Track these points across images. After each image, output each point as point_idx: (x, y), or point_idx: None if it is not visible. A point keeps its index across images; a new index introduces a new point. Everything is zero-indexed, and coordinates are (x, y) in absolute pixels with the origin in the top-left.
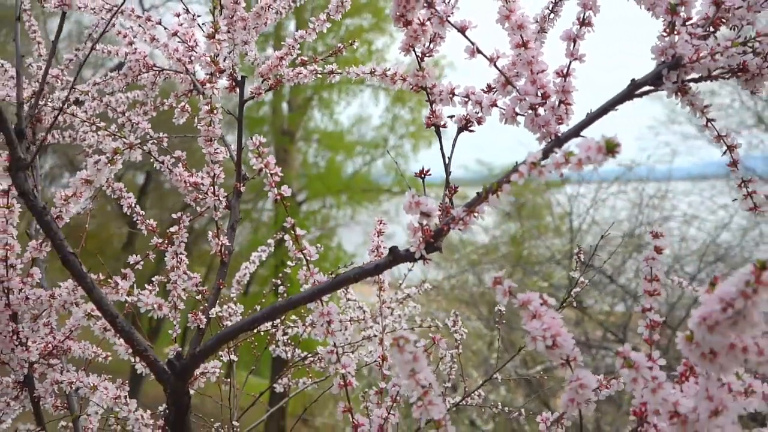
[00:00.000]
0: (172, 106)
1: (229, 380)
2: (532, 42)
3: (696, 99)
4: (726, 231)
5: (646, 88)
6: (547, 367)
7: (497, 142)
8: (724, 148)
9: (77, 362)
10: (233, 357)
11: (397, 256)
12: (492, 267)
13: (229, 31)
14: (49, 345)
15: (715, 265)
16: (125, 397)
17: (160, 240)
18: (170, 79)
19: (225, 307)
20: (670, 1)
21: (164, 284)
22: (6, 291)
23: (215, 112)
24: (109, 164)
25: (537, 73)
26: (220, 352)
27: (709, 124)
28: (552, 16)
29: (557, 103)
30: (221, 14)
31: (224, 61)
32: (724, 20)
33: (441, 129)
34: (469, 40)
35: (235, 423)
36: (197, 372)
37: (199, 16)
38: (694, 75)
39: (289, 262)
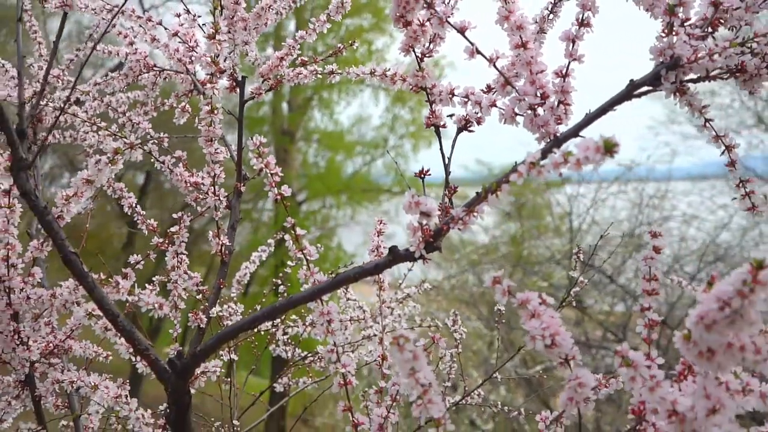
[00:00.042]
0: (173, 106)
1: (229, 379)
2: (531, 42)
3: (694, 99)
4: (726, 231)
5: (645, 88)
6: (546, 367)
7: (497, 142)
8: (723, 148)
9: (78, 361)
10: (233, 356)
11: (396, 256)
12: (492, 267)
13: (229, 32)
14: (50, 344)
15: (714, 265)
16: (126, 396)
17: (161, 240)
18: (171, 79)
19: (225, 306)
20: (668, 1)
21: (164, 284)
22: (7, 290)
23: (216, 112)
24: (110, 164)
25: (536, 74)
26: (221, 352)
27: (708, 124)
28: (551, 16)
29: (556, 103)
30: (221, 15)
31: (225, 61)
32: (722, 21)
33: (441, 129)
34: (468, 40)
35: (235, 422)
36: (198, 371)
37: (199, 16)
38: (693, 75)
39: (289, 262)
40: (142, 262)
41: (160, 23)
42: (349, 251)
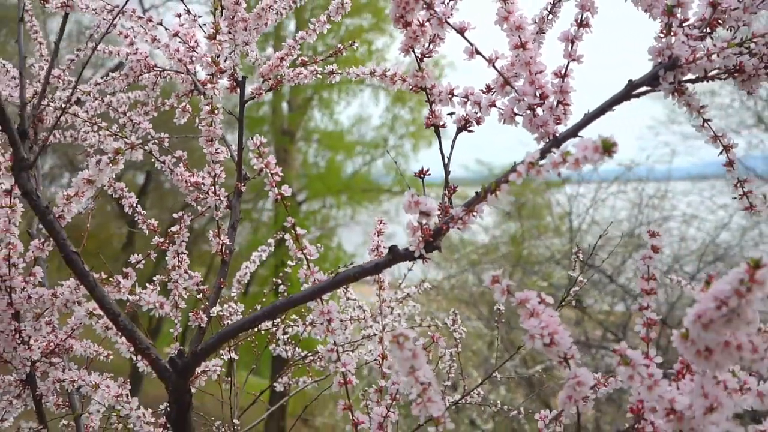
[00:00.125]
0: (173, 107)
1: (229, 379)
2: (530, 43)
3: (693, 99)
4: (725, 231)
5: (644, 88)
6: (546, 367)
7: (497, 142)
8: (721, 148)
9: (79, 361)
10: (234, 356)
11: (396, 255)
12: (492, 267)
13: (230, 32)
14: (51, 343)
15: (714, 264)
16: (127, 395)
17: (162, 239)
18: (171, 79)
19: (225, 306)
20: (666, 2)
21: (165, 283)
22: (9, 290)
23: (216, 112)
24: (111, 164)
25: (535, 74)
26: (221, 351)
27: (706, 124)
28: (550, 17)
29: (555, 103)
30: (222, 15)
31: (225, 61)
32: (720, 21)
33: (440, 129)
34: (468, 41)
35: (235, 421)
36: (198, 370)
37: (200, 16)
38: (691, 76)
39: (289, 262)
40: (143, 262)
41: (160, 23)
42: (349, 251)
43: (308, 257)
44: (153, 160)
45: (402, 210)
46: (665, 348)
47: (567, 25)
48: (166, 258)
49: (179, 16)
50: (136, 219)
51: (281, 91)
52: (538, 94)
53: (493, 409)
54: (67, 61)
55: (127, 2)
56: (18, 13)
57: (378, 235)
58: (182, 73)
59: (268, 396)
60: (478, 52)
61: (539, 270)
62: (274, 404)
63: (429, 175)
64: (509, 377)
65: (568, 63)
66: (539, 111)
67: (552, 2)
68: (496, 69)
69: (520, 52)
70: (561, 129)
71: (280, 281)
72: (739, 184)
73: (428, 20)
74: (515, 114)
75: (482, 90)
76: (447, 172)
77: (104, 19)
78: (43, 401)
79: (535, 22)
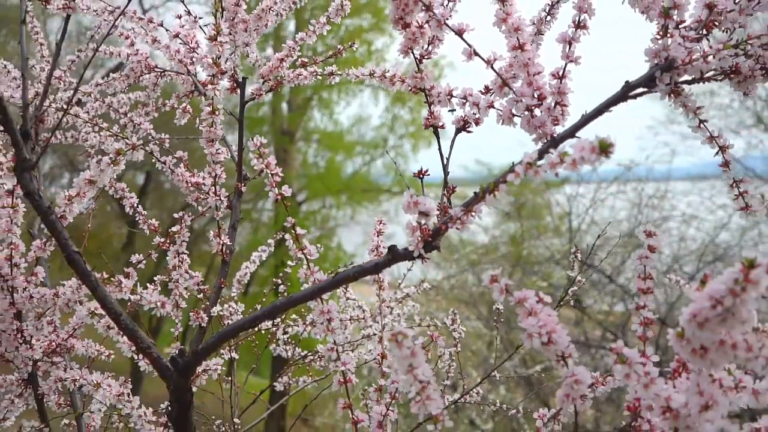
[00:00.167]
0: (174, 107)
1: (230, 378)
2: (528, 44)
3: (689, 100)
4: (725, 231)
5: (640, 89)
6: (546, 367)
7: (497, 142)
8: (717, 148)
9: (80, 360)
10: (234, 355)
11: (395, 255)
12: (491, 267)
13: (230, 33)
14: (53, 343)
15: (713, 264)
16: (128, 394)
17: (162, 239)
18: (172, 80)
19: (226, 306)
20: (663, 4)
21: (166, 283)
22: (10, 289)
23: (217, 113)
24: (112, 165)
25: (533, 75)
26: (221, 350)
27: (702, 125)
28: (548, 18)
29: (553, 104)
30: (222, 17)
31: (226, 62)
32: (716, 23)
33: (440, 130)
34: (466, 42)
35: (236, 420)
36: (199, 369)
37: (200, 17)
38: (687, 77)
39: (289, 262)
40: (144, 262)
41: (161, 25)
42: (349, 251)
43: (308, 257)
44: (153, 160)
45: (401, 210)
46: (664, 348)
47: (565, 27)
48: (167, 258)
49: (180, 17)
50: (136, 219)
51: (281, 92)
52: (536, 95)
53: (492, 408)
54: (68, 62)
55: (128, 3)
56: (20, 14)
57: (378, 235)
58: (183, 74)
59: (268, 395)
60: (476, 54)
61: (539, 270)
62: (274, 404)
63: (428, 175)
64: (508, 377)
65: (566, 64)
66: (537, 112)
67: (550, 4)
68: (495, 70)
69: (518, 53)
70: (559, 130)
71: (280, 281)
72: (735, 185)
73: (427, 22)
74: (513, 115)
75: (481, 91)
76: (446, 173)
77: (105, 20)
78: (44, 400)
79: (534, 24)
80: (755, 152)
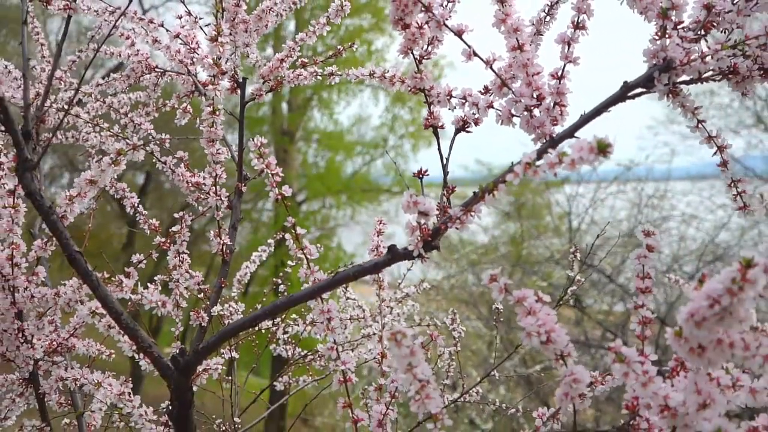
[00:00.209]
0: (174, 107)
1: (230, 378)
2: (527, 45)
3: (687, 100)
4: (724, 231)
5: (639, 90)
6: (545, 366)
7: (497, 142)
8: (715, 148)
9: (81, 360)
10: (234, 354)
11: (395, 255)
12: (491, 267)
13: (230, 34)
14: (54, 342)
15: (713, 264)
16: (129, 393)
17: (163, 239)
18: (172, 80)
19: (226, 305)
20: (661, 5)
21: (166, 283)
22: (11, 289)
23: (218, 113)
24: (113, 165)
25: (532, 76)
26: (222, 350)
27: (700, 125)
28: (547, 18)
29: (552, 104)
30: (223, 17)
31: (226, 63)
32: (714, 24)
33: (439, 130)
34: (465, 43)
35: (236, 419)
36: (199, 369)
37: (200, 18)
38: (685, 77)
39: (289, 262)
40: (144, 261)
41: (161, 25)
42: (348, 251)
43: (308, 257)
44: (154, 160)
45: (401, 210)
46: (664, 347)
47: (564, 27)
48: (167, 258)
49: (180, 17)
50: (137, 219)
51: (281, 92)
52: (535, 96)
53: (491, 407)
54: (69, 62)
55: (129, 4)
56: (22, 15)
57: (377, 235)
58: (183, 74)
59: (268, 395)
60: (475, 54)
61: (539, 270)
62: (274, 403)
63: (428, 175)
64: (508, 376)
65: (565, 65)
66: (536, 112)
67: (549, 5)
68: (494, 71)
69: (517, 54)
70: (558, 130)
71: (280, 281)
72: (733, 184)
73: (427, 23)
74: (512, 115)
75: (480, 91)
76: (445, 173)
77: (105, 20)
78: (45, 399)
79: (533, 25)
80: (755, 152)
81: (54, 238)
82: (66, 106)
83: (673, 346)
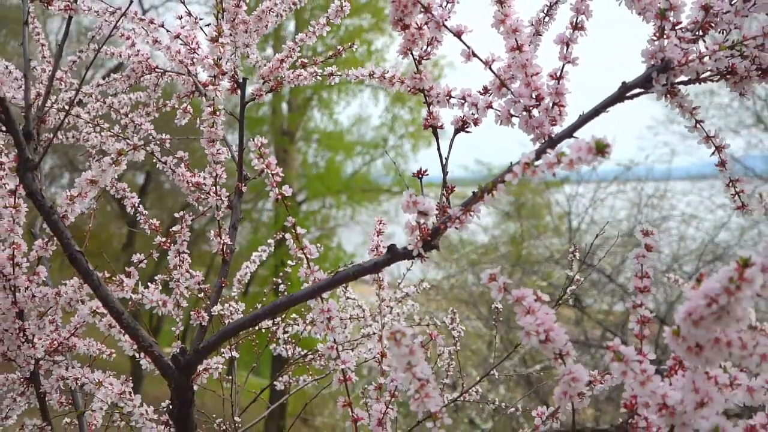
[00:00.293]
0: (174, 108)
1: (230, 377)
2: (526, 45)
3: (685, 101)
4: (724, 230)
5: (637, 90)
6: (545, 366)
7: (496, 142)
8: (714, 148)
9: (82, 359)
10: (235, 354)
11: (395, 254)
12: (491, 266)
13: (231, 34)
14: (55, 342)
15: (713, 264)
16: (130, 392)
17: (163, 239)
18: (172, 80)
19: (226, 305)
20: (659, 5)
21: (166, 283)
22: (13, 289)
23: (218, 113)
24: (113, 165)
25: (531, 76)
26: (222, 349)
27: (699, 125)
28: (546, 19)
29: (551, 104)
30: (223, 17)
31: (226, 63)
32: (712, 24)
33: (439, 130)
34: (465, 44)
35: (236, 419)
36: (200, 368)
37: (201, 18)
38: (683, 78)
39: (289, 262)
40: (145, 261)
41: (161, 25)
42: (348, 251)
43: (308, 256)
44: (154, 160)
45: (401, 210)
46: (664, 347)
47: (563, 28)
48: (168, 257)
49: (180, 18)
50: (137, 219)
51: (281, 92)
52: (533, 96)
53: (491, 407)
54: (69, 63)
55: (130, 5)
56: (23, 16)
57: (377, 235)
58: (183, 74)
59: (268, 394)
60: (474, 55)
61: (538, 270)
62: (274, 403)
63: (427, 175)
64: (508, 376)
65: (564, 65)
66: (535, 112)
67: (548, 5)
68: (493, 71)
69: (516, 54)
70: (556, 130)
71: (280, 281)
72: (731, 184)
73: (426, 23)
74: (512, 115)
75: (479, 91)
76: (445, 173)
77: (106, 21)
78: (46, 399)
79: (532, 25)
80: (755, 152)
81: (55, 238)
82: (67, 107)
83: (671, 345)
